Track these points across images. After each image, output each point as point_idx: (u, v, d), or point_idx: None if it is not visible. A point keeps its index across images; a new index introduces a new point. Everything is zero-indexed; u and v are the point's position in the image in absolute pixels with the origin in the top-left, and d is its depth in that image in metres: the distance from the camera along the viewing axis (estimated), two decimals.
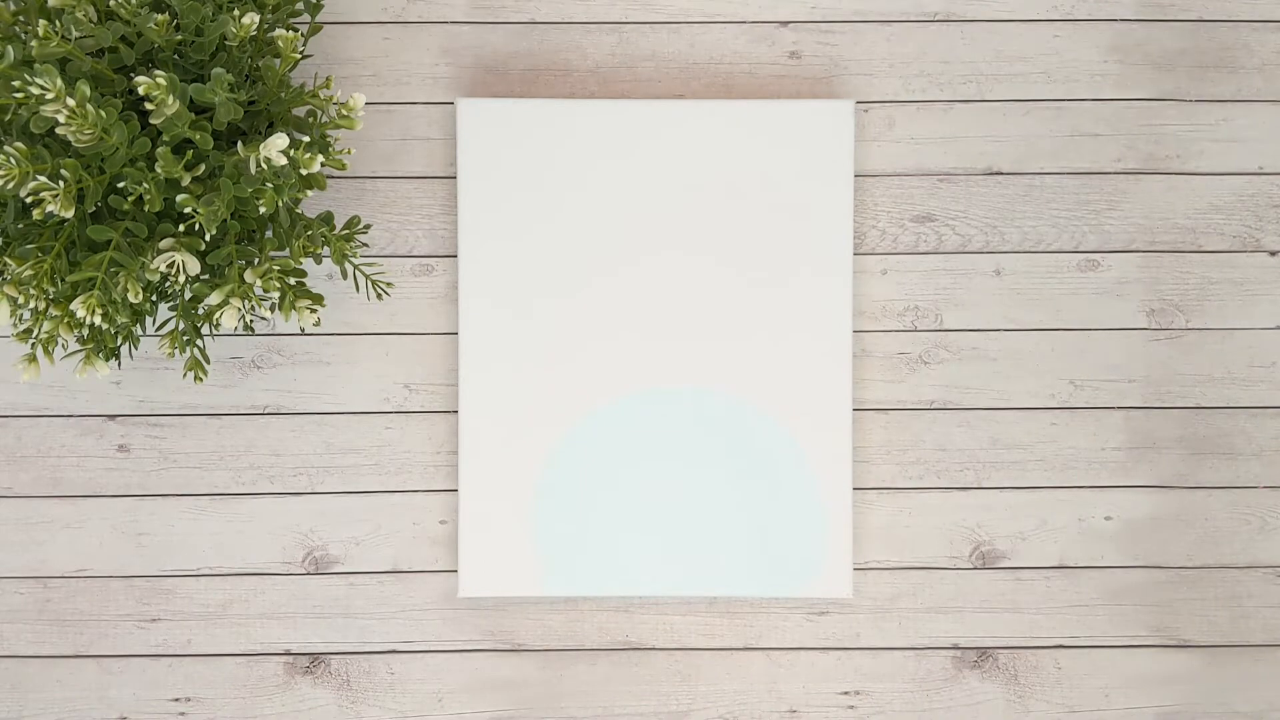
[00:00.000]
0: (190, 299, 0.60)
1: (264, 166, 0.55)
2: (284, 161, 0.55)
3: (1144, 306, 0.68)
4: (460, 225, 0.65)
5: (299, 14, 0.61)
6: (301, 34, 0.59)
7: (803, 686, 0.67)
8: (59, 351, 0.62)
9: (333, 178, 0.67)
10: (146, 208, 0.55)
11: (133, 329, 0.60)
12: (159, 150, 0.54)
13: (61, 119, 0.52)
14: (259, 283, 0.58)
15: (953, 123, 0.67)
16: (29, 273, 0.55)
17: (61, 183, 0.53)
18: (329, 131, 0.60)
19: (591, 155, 0.65)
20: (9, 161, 0.52)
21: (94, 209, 0.56)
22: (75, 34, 0.55)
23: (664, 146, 0.65)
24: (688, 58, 0.67)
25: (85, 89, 0.52)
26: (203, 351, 0.62)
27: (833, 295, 0.66)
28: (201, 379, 0.62)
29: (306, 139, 0.57)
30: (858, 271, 0.67)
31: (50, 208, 0.53)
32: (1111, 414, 0.67)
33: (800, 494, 0.65)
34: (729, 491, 0.65)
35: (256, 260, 0.59)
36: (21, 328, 0.58)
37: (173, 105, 0.54)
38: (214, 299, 0.58)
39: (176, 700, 0.67)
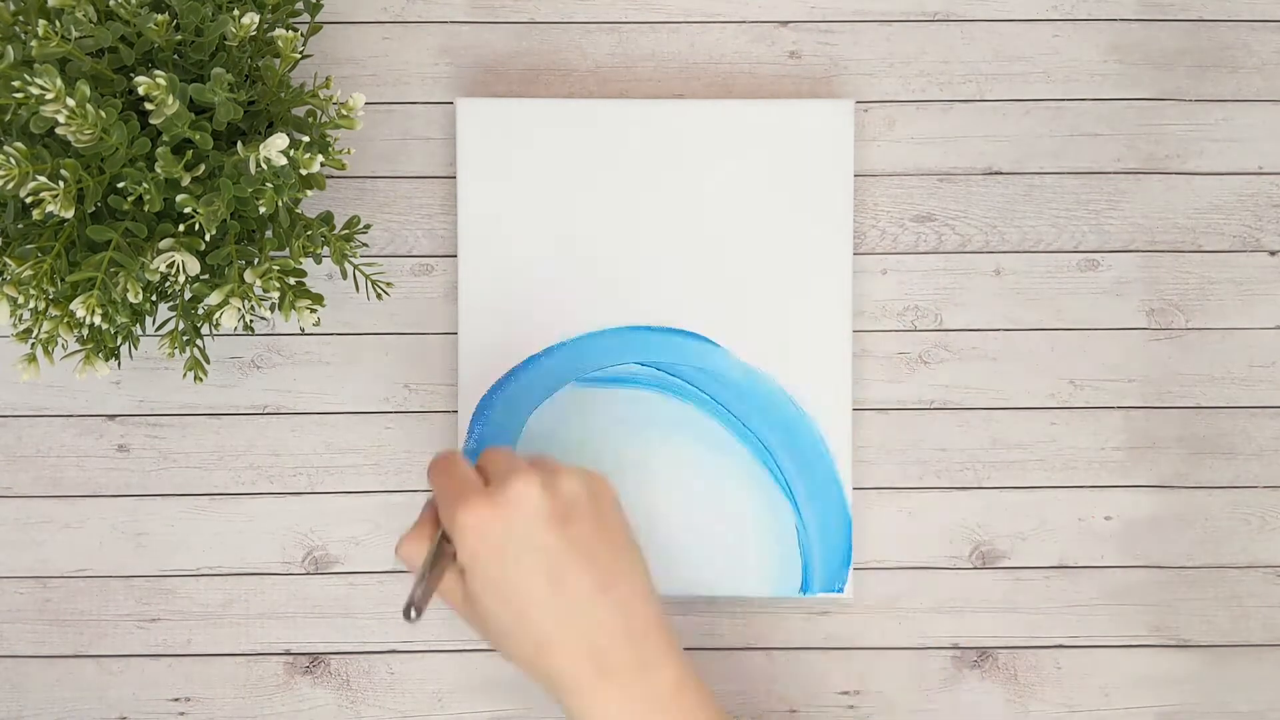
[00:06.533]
0: (190, 299, 0.60)
1: (264, 166, 0.55)
2: (284, 161, 0.55)
3: (1144, 306, 0.68)
4: (460, 225, 0.65)
5: (299, 14, 0.61)
6: (301, 34, 0.59)
7: (803, 686, 0.67)
8: (59, 351, 0.61)
9: (332, 178, 0.67)
10: (146, 208, 0.55)
11: (133, 329, 0.60)
12: (159, 150, 0.54)
13: (61, 119, 0.52)
14: (259, 283, 0.58)
15: (953, 123, 0.67)
16: (29, 273, 0.55)
17: (61, 183, 0.53)
18: (329, 131, 0.60)
19: (591, 155, 0.65)
20: (9, 161, 0.52)
21: (94, 209, 0.56)
22: (75, 34, 0.55)
23: (664, 146, 0.65)
24: (688, 58, 0.67)
25: (85, 89, 0.52)
26: (203, 351, 0.62)
27: (832, 295, 0.66)
28: (201, 379, 0.62)
29: (306, 139, 0.57)
30: (858, 271, 0.67)
31: (50, 208, 0.53)
32: (1111, 414, 0.68)
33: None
34: (730, 491, 0.65)
35: (256, 260, 0.59)
36: (21, 328, 0.58)
37: (173, 105, 0.54)
38: (214, 299, 0.58)
39: (176, 700, 0.67)
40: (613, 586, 0.54)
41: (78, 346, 0.59)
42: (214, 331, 0.63)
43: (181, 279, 0.57)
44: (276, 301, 0.60)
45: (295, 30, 0.58)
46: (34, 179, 0.53)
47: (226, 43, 0.57)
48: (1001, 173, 0.67)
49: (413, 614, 0.52)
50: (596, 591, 0.53)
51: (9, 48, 0.54)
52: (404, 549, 0.55)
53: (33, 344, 0.57)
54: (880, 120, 0.67)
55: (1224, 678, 0.67)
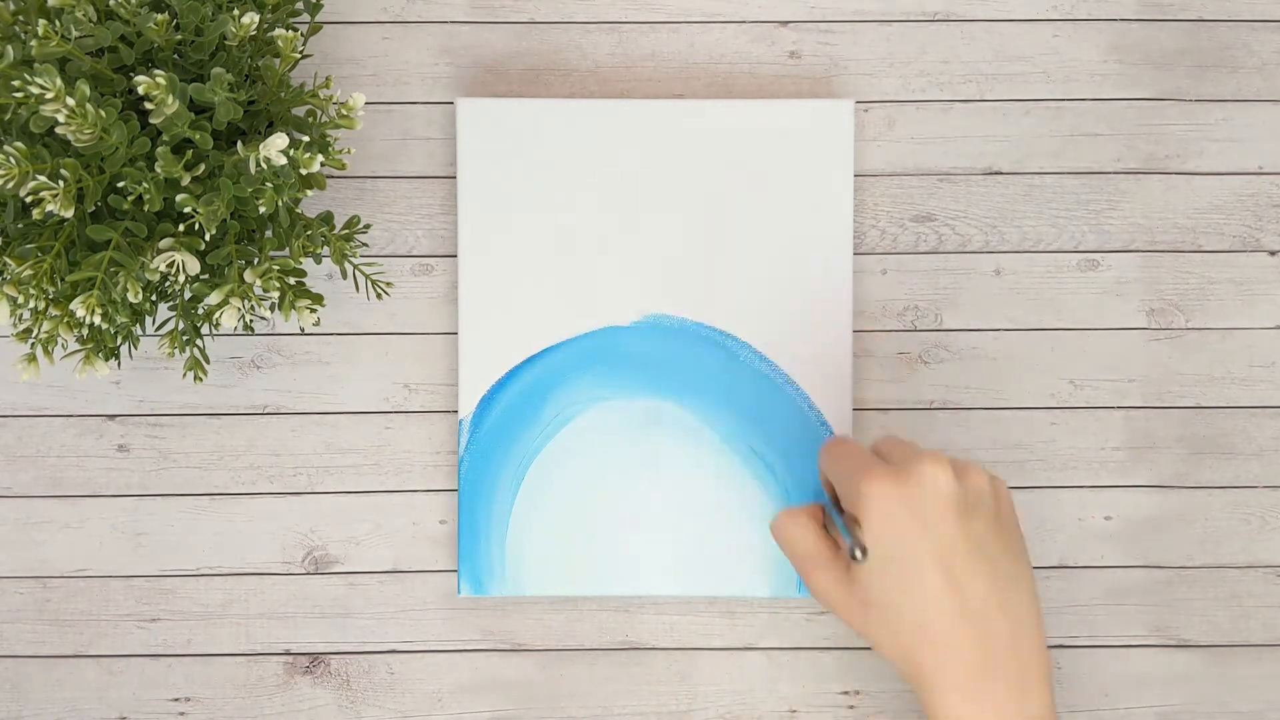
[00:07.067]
0: (190, 299, 0.60)
1: (264, 166, 0.55)
2: (284, 161, 0.55)
3: (1144, 306, 0.68)
4: (460, 225, 0.65)
5: (299, 14, 0.61)
6: (301, 34, 0.59)
7: (803, 686, 0.67)
8: (59, 351, 0.62)
9: (332, 178, 0.67)
10: (146, 208, 0.55)
11: (132, 329, 0.60)
12: (159, 150, 0.54)
13: (61, 119, 0.52)
14: (259, 283, 0.58)
15: (953, 123, 0.67)
16: (29, 273, 0.55)
17: (61, 182, 0.53)
18: (329, 131, 0.60)
19: (591, 155, 0.65)
20: (9, 161, 0.52)
21: (94, 209, 0.56)
22: (75, 33, 0.55)
23: (664, 146, 0.65)
24: (687, 58, 0.67)
25: (85, 89, 0.52)
26: (202, 351, 0.62)
27: (832, 295, 0.66)
28: (201, 379, 0.62)
29: (306, 139, 0.57)
30: (857, 271, 0.67)
31: (50, 207, 0.53)
32: (1111, 414, 0.68)
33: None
34: (730, 491, 0.65)
35: (256, 260, 0.59)
36: (21, 328, 0.58)
37: (172, 105, 0.54)
38: (214, 299, 0.58)
39: (176, 700, 0.67)
40: (1009, 598, 0.52)
41: (78, 346, 0.59)
42: (214, 331, 0.63)
43: (181, 279, 0.57)
44: (276, 301, 0.60)
45: (295, 30, 0.58)
46: (34, 178, 0.53)
47: (226, 42, 0.57)
48: (1001, 173, 0.67)
49: (858, 554, 0.52)
50: (992, 598, 0.52)
51: (9, 47, 0.54)
52: (781, 522, 0.56)
53: (33, 344, 0.57)
54: (880, 120, 0.67)
55: (1224, 678, 0.67)
